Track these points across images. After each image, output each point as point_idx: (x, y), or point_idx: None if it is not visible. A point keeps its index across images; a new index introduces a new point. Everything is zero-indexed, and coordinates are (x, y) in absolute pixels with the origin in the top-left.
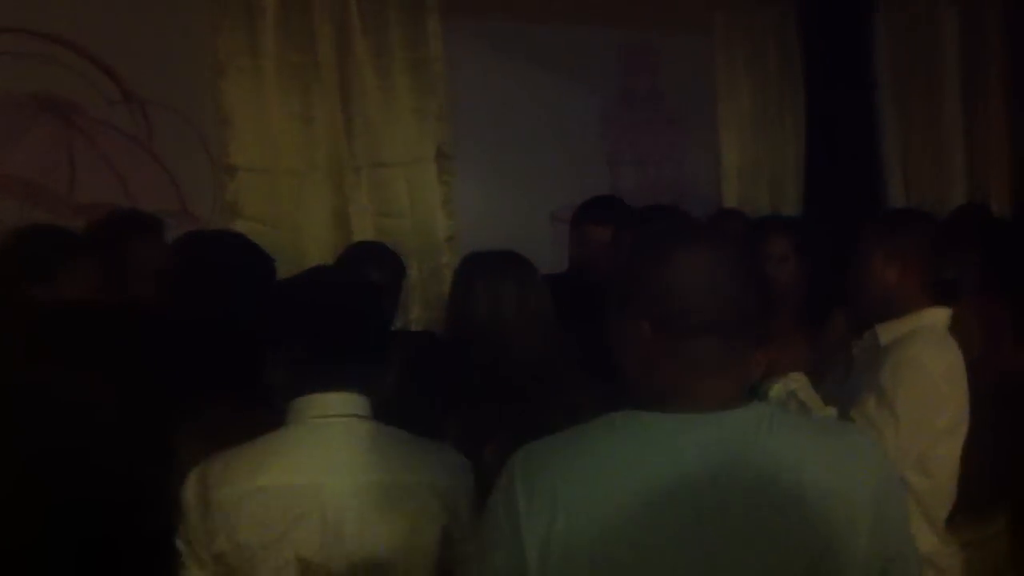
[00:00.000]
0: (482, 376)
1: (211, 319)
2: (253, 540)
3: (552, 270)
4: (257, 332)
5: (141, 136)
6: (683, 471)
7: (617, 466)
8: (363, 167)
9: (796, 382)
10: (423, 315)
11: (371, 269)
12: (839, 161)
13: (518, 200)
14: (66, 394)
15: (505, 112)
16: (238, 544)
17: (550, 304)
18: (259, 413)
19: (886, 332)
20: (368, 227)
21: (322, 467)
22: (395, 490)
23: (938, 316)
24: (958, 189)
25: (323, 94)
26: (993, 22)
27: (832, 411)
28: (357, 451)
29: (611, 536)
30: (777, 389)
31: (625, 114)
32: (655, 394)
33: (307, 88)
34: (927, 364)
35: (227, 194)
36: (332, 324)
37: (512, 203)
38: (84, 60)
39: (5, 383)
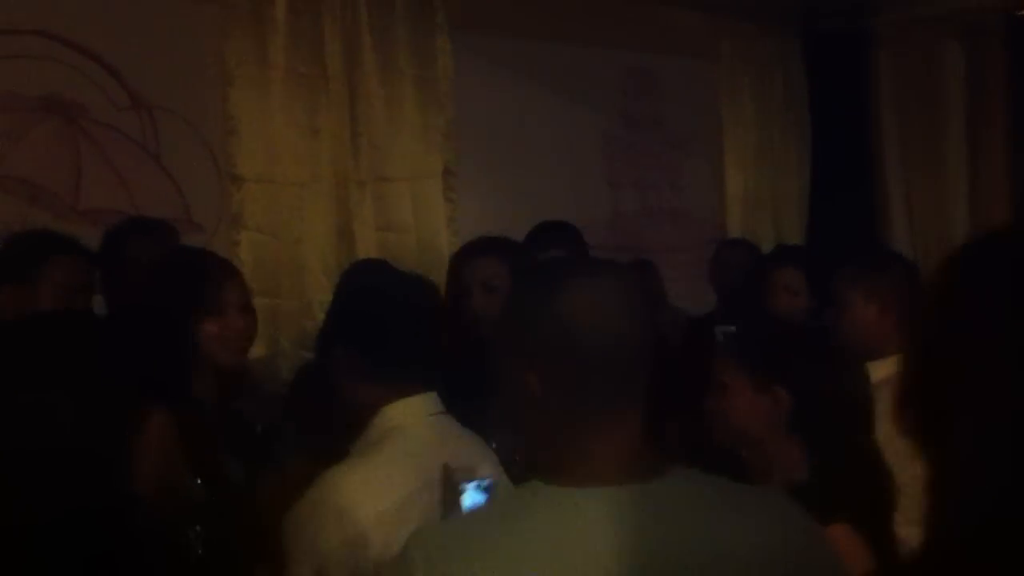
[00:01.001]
0: None
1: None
2: None
3: None
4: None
5: (147, 142)
6: (602, 559)
7: (529, 557)
8: (368, 181)
9: None
10: None
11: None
12: (842, 193)
13: (519, 219)
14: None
15: (509, 131)
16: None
17: None
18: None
19: (875, 370)
20: (371, 241)
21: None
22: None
23: None
24: (961, 223)
25: (330, 106)
26: (997, 57)
27: None
28: (464, 444)
29: None
30: None
31: (628, 137)
32: (556, 455)
33: (314, 100)
34: None
35: (232, 204)
36: (420, 326)
37: (513, 222)
38: (93, 64)
39: None
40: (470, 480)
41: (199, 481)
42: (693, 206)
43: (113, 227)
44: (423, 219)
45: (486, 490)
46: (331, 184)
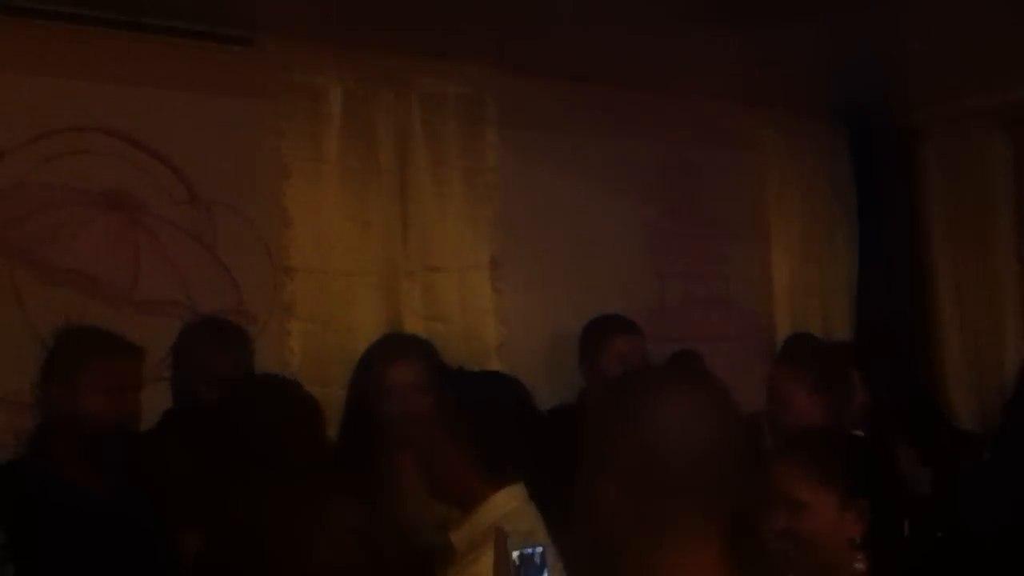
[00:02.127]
0: None
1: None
2: None
3: None
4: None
5: (204, 235)
6: None
7: None
8: (417, 271)
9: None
10: None
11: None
12: (890, 284)
13: (566, 310)
14: None
15: (554, 223)
16: None
17: None
18: None
19: None
20: (419, 331)
21: None
22: None
23: None
24: (1011, 314)
25: (381, 199)
26: None
27: None
28: None
29: None
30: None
31: (673, 228)
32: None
33: (366, 193)
34: None
35: (284, 294)
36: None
37: (560, 313)
38: (153, 160)
39: None
40: (522, 547)
41: None
42: (740, 296)
43: (187, 325)
44: (470, 309)
45: (538, 557)
46: (381, 275)
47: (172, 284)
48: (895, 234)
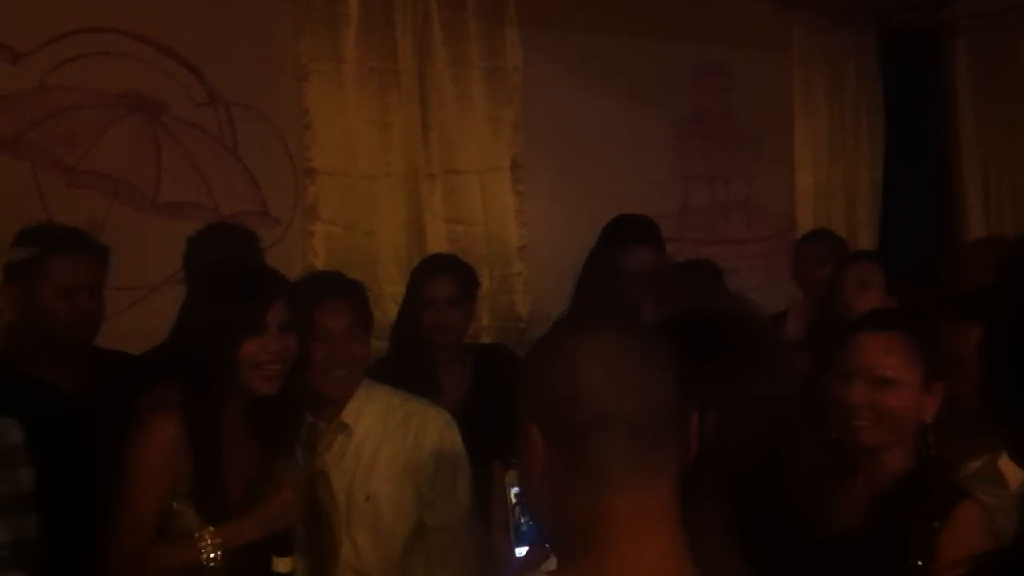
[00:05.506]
0: None
1: None
2: None
3: None
4: None
5: (225, 137)
6: None
7: None
8: (438, 174)
9: None
10: (493, 324)
11: (445, 278)
12: (916, 185)
13: (589, 212)
14: None
15: (579, 124)
16: None
17: None
18: None
19: None
20: (441, 234)
21: None
22: None
23: None
24: None
25: (401, 101)
26: None
27: None
28: None
29: None
30: None
31: (698, 130)
32: (566, 533)
33: (386, 94)
34: None
35: (307, 197)
36: None
37: (583, 215)
38: (172, 61)
39: None
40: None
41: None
42: (764, 199)
43: (196, 232)
44: (492, 211)
45: None
46: (402, 177)
47: (195, 186)
48: (924, 133)
